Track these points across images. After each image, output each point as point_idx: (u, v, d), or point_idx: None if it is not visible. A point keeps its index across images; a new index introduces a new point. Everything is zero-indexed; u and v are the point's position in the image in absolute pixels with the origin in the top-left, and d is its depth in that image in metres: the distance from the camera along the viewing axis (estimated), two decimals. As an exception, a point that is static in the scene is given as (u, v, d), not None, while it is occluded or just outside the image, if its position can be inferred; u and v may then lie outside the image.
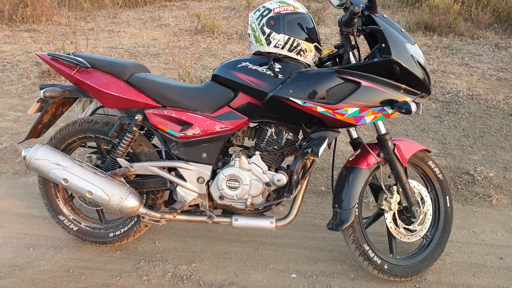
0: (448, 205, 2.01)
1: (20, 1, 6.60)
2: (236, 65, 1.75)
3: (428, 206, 1.95)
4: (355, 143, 1.94)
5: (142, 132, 1.98)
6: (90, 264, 1.98)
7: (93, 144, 2.06)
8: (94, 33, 6.21)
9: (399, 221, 1.90)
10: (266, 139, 1.82)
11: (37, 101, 1.97)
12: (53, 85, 1.92)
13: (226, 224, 1.87)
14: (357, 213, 1.81)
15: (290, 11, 1.72)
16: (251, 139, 1.92)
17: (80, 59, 1.85)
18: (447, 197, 2.01)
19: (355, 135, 1.94)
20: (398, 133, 3.50)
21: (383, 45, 1.63)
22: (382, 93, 1.65)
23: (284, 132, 1.81)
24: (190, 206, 1.90)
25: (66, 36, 5.58)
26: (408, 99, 1.67)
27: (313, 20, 1.77)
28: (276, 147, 1.81)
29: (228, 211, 1.89)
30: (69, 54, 1.89)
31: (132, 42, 5.76)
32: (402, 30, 1.73)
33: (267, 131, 1.82)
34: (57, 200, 2.04)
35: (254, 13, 1.77)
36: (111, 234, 2.02)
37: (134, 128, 1.82)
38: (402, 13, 7.16)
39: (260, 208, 1.83)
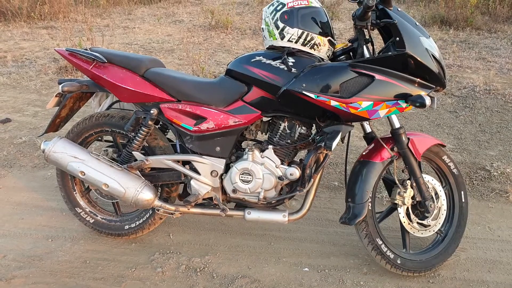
0: (463, 200, 1.99)
1: (38, -2, 6.74)
2: (250, 60, 1.76)
3: (442, 201, 1.93)
4: (369, 137, 1.93)
5: (157, 126, 2.01)
6: (106, 255, 2.02)
7: (109, 138, 2.10)
8: (110, 29, 6.29)
9: (412, 216, 1.89)
10: (279, 133, 1.83)
11: (55, 96, 2.02)
12: (71, 79, 1.97)
13: (239, 218, 1.89)
14: (370, 208, 1.80)
15: (304, 5, 1.71)
16: (264, 133, 1.93)
17: (97, 54, 1.88)
18: (462, 192, 1.99)
19: (368, 129, 1.93)
20: (413, 128, 3.47)
21: (397, 38, 1.62)
22: (396, 87, 1.64)
23: (297, 126, 1.81)
24: (203, 199, 1.93)
25: (83, 33, 5.67)
26: (422, 93, 1.66)
27: (327, 14, 1.77)
28: (289, 141, 1.82)
29: (241, 205, 1.90)
30: (86, 50, 1.93)
31: (146, 38, 5.82)
32: (417, 23, 1.71)
33: (280, 125, 1.82)
34: (74, 192, 2.09)
35: (268, 8, 1.77)
36: (127, 227, 2.06)
37: (150, 122, 1.85)
38: (417, 7, 7.06)
39: (273, 201, 1.84)
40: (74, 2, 7.58)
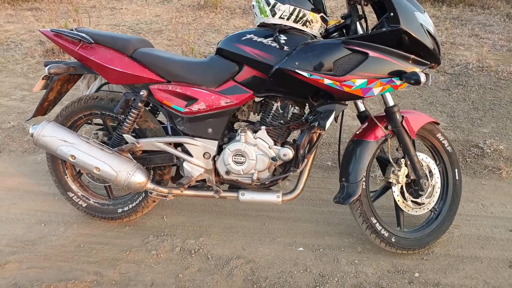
0: (457, 178, 1.99)
1: (21, -21, 6.51)
2: (240, 38, 1.71)
3: (436, 179, 1.93)
4: (363, 116, 1.91)
5: (147, 108, 1.97)
6: (100, 239, 2.01)
7: (99, 121, 2.06)
8: (96, 10, 6.13)
9: (406, 194, 1.89)
10: (272, 114, 1.80)
11: (42, 78, 1.96)
12: (58, 61, 1.91)
13: (233, 199, 1.87)
14: (364, 187, 1.80)
15: (296, -19, 1.66)
16: (256, 113, 1.90)
17: (83, 34, 1.82)
18: (456, 169, 1.99)
19: (362, 108, 1.91)
20: (406, 106, 3.45)
21: (392, 14, 1.58)
22: (391, 64, 1.61)
23: (290, 106, 1.78)
24: (197, 181, 1.91)
25: (69, 14, 5.52)
26: (417, 69, 1.63)
27: (319, -10, 1.72)
28: (282, 121, 1.79)
29: (235, 186, 1.89)
30: (72, 30, 1.87)
31: (134, 19, 5.68)
32: (411, -2, 1.67)
33: (273, 105, 1.79)
34: (65, 177, 2.06)
35: (259, -17, 1.71)
36: (120, 210, 2.04)
37: (139, 104, 1.81)
38: (411, -17, 6.95)
39: (267, 182, 1.83)
40: (59, -18, 7.34)
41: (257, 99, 1.88)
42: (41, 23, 5.31)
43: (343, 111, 1.82)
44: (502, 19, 5.48)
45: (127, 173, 1.80)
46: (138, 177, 1.81)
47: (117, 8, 6.25)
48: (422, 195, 1.89)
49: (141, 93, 1.79)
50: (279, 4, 1.65)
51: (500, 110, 3.35)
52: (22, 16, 5.83)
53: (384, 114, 1.84)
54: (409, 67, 1.63)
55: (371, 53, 1.60)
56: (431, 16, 5.59)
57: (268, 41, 1.67)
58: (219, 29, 5.25)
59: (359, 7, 1.69)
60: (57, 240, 1.99)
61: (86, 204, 2.07)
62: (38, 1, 6.50)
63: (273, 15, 1.67)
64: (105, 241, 1.99)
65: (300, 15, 1.66)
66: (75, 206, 2.09)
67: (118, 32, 4.96)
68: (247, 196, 1.84)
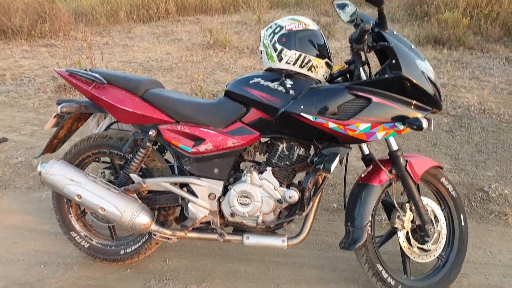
0: (463, 224, 1.96)
1: (39, 17, 6.76)
2: (248, 81, 1.76)
3: (442, 225, 1.91)
4: (367, 159, 1.93)
5: (155, 147, 2.00)
6: (101, 282, 1.96)
7: (107, 159, 2.08)
8: (109, 47, 6.33)
9: (412, 240, 1.86)
10: (277, 155, 1.82)
11: (54, 117, 2.00)
12: (70, 100, 1.96)
13: (237, 242, 1.85)
14: (370, 232, 1.78)
15: (302, 28, 1.73)
16: (262, 154, 1.92)
17: (96, 75, 1.87)
18: (462, 215, 1.97)
19: (366, 151, 1.92)
20: (410, 148, 3.46)
21: (393, 61, 1.63)
22: (393, 109, 1.64)
23: (296, 147, 1.80)
24: (201, 223, 1.89)
25: (82, 51, 5.70)
26: (419, 115, 1.66)
27: (324, 37, 1.79)
28: (287, 162, 1.81)
29: (239, 229, 1.87)
30: (86, 70, 1.93)
31: (145, 57, 5.85)
32: (412, 46, 1.73)
33: (279, 146, 1.82)
34: (69, 216, 2.05)
35: (266, 30, 1.79)
36: (122, 252, 2.02)
37: (148, 144, 1.83)
38: (411, 27, 7.15)
39: (272, 226, 1.81)
40: (75, 20, 7.63)
41: (263, 140, 1.90)
42: (55, 59, 5.47)
43: (347, 154, 1.84)
44: (502, 62, 5.58)
45: (132, 214, 1.80)
46: (142, 218, 1.81)
47: (129, 45, 6.45)
48: (428, 241, 1.86)
49: (150, 133, 1.82)
50: (285, 50, 1.71)
51: (504, 154, 3.35)
52: (37, 52, 6.02)
53: (388, 157, 1.85)
54: (411, 113, 1.66)
55: (374, 99, 1.63)
56: (433, 58, 5.72)
57: (274, 85, 1.71)
58: (227, 68, 5.38)
59: (362, 53, 1.74)
60: (56, 283, 1.95)
61: (88, 244, 2.05)
62: (54, 38, 6.73)
63: (280, 60, 1.73)
64: (105, 285, 1.95)
65: (306, 60, 1.72)
66: (77, 247, 2.07)
67: (128, 69, 5.10)
68: (251, 240, 1.82)
